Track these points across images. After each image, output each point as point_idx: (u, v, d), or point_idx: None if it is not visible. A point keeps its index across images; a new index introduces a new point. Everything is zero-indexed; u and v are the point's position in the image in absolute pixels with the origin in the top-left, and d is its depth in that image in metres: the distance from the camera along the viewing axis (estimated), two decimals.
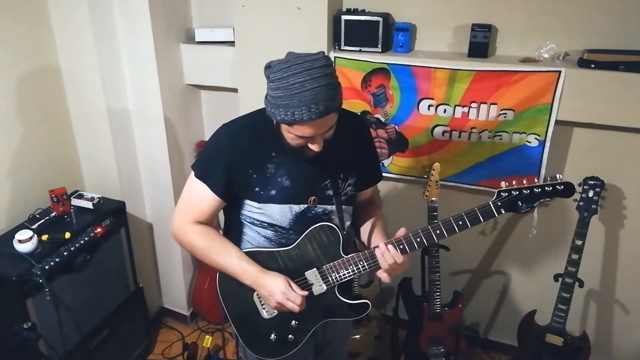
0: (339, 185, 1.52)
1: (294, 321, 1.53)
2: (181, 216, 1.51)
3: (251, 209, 1.48)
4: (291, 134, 1.33)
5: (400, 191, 2.61)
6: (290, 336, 1.55)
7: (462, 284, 2.73)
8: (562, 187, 1.36)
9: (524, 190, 1.37)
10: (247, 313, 1.55)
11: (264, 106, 1.49)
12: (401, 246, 1.44)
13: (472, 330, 2.72)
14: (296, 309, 1.42)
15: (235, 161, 1.42)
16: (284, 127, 1.34)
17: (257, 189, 1.43)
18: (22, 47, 2.16)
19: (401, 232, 1.45)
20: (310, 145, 1.35)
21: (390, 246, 1.43)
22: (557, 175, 1.38)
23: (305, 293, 1.45)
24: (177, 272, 2.92)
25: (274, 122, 1.37)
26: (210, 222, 1.52)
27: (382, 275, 1.45)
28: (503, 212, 1.38)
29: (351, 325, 1.89)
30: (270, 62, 1.29)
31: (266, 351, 1.57)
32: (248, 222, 1.51)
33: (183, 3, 2.55)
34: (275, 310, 1.51)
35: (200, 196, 1.46)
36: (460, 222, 1.40)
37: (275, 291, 1.42)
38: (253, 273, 1.45)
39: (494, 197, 1.39)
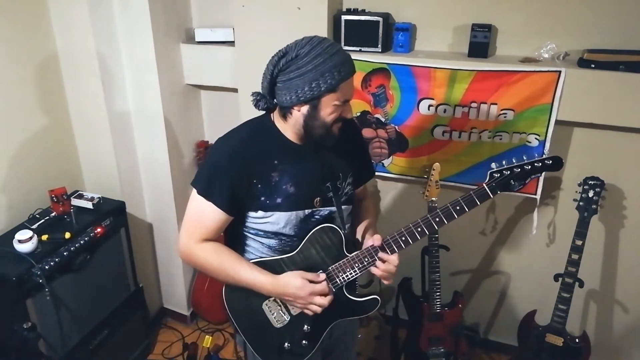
0: (339, 186, 1.52)
1: (306, 326, 1.52)
2: (188, 236, 1.47)
3: (255, 220, 1.46)
4: (333, 106, 1.34)
5: (400, 191, 2.61)
6: (304, 341, 1.54)
7: (462, 284, 2.73)
8: (551, 161, 1.40)
9: (514, 169, 1.40)
10: (258, 325, 1.53)
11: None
12: (403, 238, 1.45)
13: (472, 330, 2.72)
14: (325, 302, 1.42)
15: (239, 174, 1.39)
16: (325, 101, 1.33)
17: (262, 199, 1.42)
18: (22, 47, 2.16)
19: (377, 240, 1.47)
20: (345, 114, 1.39)
21: (384, 255, 1.45)
22: (545, 151, 1.41)
23: (324, 277, 1.45)
24: (177, 272, 2.92)
25: (304, 110, 1.35)
26: (217, 237, 1.49)
27: (385, 281, 1.49)
28: (498, 192, 1.41)
29: (357, 329, 1.89)
30: (281, 52, 1.32)
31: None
32: (252, 234, 1.50)
33: (183, 3, 2.55)
34: (287, 318, 1.51)
35: (206, 214, 1.43)
36: (458, 207, 1.42)
37: (300, 294, 1.41)
38: (269, 282, 1.44)
39: (487, 179, 1.42)
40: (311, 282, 1.43)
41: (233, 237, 1.55)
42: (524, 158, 1.41)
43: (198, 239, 1.46)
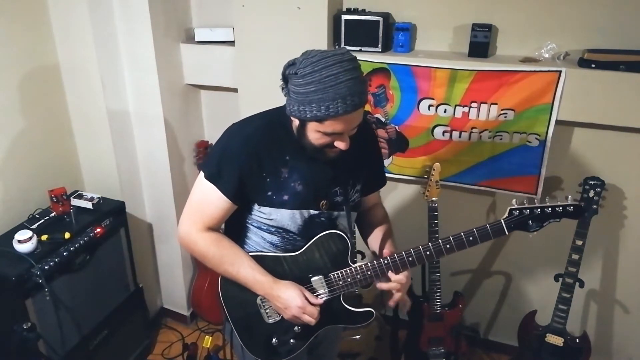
0: (348, 192, 1.50)
1: (297, 327, 1.52)
2: (190, 222, 1.44)
3: (260, 214, 1.44)
4: (318, 133, 1.29)
5: (401, 191, 2.61)
6: (292, 340, 1.54)
7: (462, 284, 2.73)
8: (572, 208, 1.39)
9: (535, 210, 1.38)
10: (249, 317, 1.53)
11: (266, 108, 1.46)
12: (410, 259, 1.43)
13: (472, 331, 2.72)
14: (312, 322, 1.42)
15: (250, 163, 1.36)
16: (311, 126, 1.29)
17: (269, 193, 1.40)
18: (21, 47, 2.15)
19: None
20: (337, 144, 1.31)
21: (391, 274, 1.44)
22: (568, 197, 1.40)
23: (321, 301, 1.45)
24: (177, 272, 2.92)
25: (297, 122, 1.32)
26: (219, 226, 1.48)
27: (403, 304, 1.52)
28: (513, 229, 1.39)
29: (342, 327, 1.89)
30: (293, 59, 1.27)
31: (266, 354, 1.56)
32: (255, 227, 1.48)
33: (183, 3, 2.55)
34: (279, 316, 1.50)
35: (210, 199, 1.40)
36: (471, 238, 1.40)
37: (292, 305, 1.41)
38: (267, 284, 1.43)
39: (506, 215, 1.40)
40: (307, 299, 1.43)
41: (234, 227, 1.52)
42: (547, 201, 1.40)
43: (199, 226, 1.43)
